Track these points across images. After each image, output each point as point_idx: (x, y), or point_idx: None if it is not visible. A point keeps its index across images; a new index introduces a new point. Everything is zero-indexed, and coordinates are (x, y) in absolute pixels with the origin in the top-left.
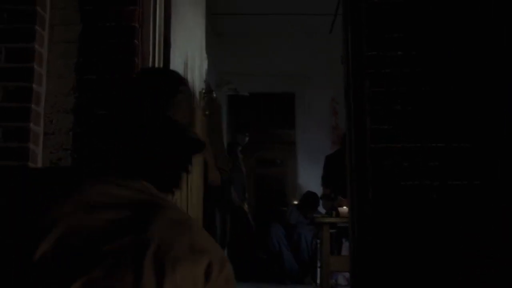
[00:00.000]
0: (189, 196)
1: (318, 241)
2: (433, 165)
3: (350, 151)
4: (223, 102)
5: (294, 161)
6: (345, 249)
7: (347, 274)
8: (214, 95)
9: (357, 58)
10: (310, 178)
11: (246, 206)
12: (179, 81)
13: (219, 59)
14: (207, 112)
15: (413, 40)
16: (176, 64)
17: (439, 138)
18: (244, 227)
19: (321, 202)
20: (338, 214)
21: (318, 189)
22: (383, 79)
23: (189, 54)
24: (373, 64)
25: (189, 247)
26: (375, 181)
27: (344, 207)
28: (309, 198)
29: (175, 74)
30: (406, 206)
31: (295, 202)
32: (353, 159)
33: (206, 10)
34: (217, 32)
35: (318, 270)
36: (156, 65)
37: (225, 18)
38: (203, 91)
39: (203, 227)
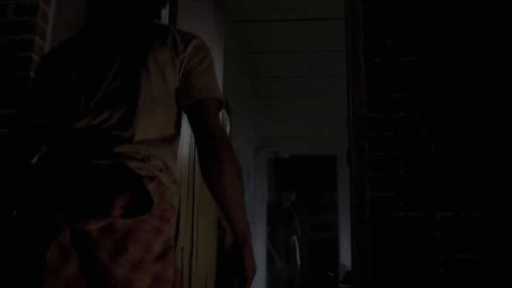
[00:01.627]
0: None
1: None
2: (439, 236)
3: (352, 221)
4: (263, 164)
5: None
6: None
7: None
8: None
9: (357, 119)
10: None
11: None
12: None
13: (260, 122)
14: None
15: (417, 100)
16: None
17: (446, 206)
18: None
19: None
20: None
21: None
22: (384, 142)
23: None
24: (374, 127)
25: None
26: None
27: None
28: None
29: None
30: (409, 283)
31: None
32: (354, 230)
33: (247, 74)
34: (258, 96)
35: None
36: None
37: (266, 82)
38: None
39: None
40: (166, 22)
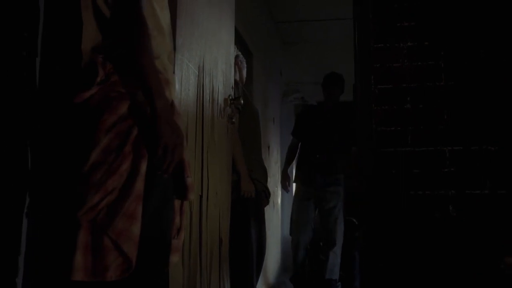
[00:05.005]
0: (209, 204)
1: None
2: (448, 171)
3: (357, 155)
4: (290, 111)
5: None
6: None
7: None
8: (242, 101)
9: (363, 50)
10: None
11: None
12: None
13: (286, 68)
14: (233, 120)
15: (425, 29)
16: (182, 65)
17: (456, 140)
18: None
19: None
20: None
21: None
22: (391, 74)
23: (206, 57)
24: (380, 58)
25: None
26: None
27: None
28: None
29: None
30: (416, 220)
31: None
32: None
33: (272, 19)
34: (284, 41)
35: None
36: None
37: (292, 26)
38: (230, 97)
39: (235, 242)
40: None
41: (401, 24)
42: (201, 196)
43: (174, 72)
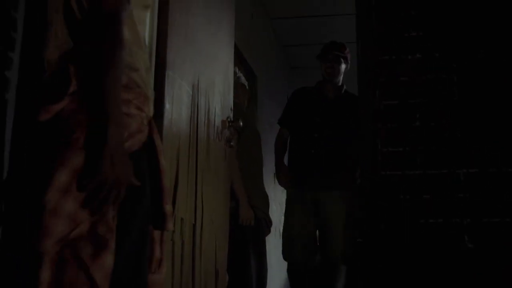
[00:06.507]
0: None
1: None
2: (463, 197)
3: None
4: None
5: None
6: None
7: None
8: (241, 123)
9: (365, 63)
10: None
11: None
12: None
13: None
14: (232, 143)
15: (435, 40)
16: (173, 82)
17: (471, 161)
18: None
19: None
20: None
21: None
22: (397, 88)
23: (202, 76)
24: (385, 71)
25: None
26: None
27: None
28: None
29: None
30: (426, 253)
31: None
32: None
33: (279, 43)
34: (291, 65)
35: None
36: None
37: (298, 50)
38: (228, 119)
39: (233, 273)
40: None
41: (408, 34)
42: (194, 225)
43: (164, 90)
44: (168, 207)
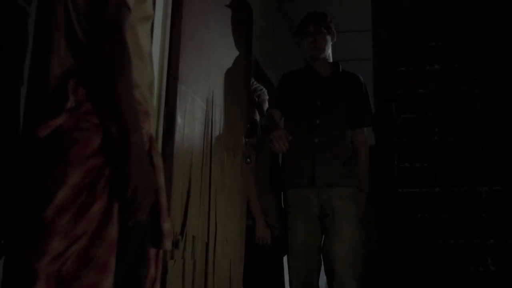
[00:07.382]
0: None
1: None
2: (486, 216)
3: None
4: None
5: None
6: None
7: None
8: (257, 139)
9: (381, 74)
10: None
11: None
12: None
13: None
14: (248, 159)
15: (455, 50)
16: (186, 97)
17: (494, 178)
18: None
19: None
20: None
21: None
22: (415, 101)
23: (217, 91)
24: (402, 83)
25: None
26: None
27: None
28: None
29: None
30: (447, 276)
31: None
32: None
33: (301, 59)
34: None
35: None
36: (157, 95)
37: None
38: (245, 135)
39: None
40: None
41: (426, 44)
42: (207, 244)
43: (176, 104)
44: (166, 225)
